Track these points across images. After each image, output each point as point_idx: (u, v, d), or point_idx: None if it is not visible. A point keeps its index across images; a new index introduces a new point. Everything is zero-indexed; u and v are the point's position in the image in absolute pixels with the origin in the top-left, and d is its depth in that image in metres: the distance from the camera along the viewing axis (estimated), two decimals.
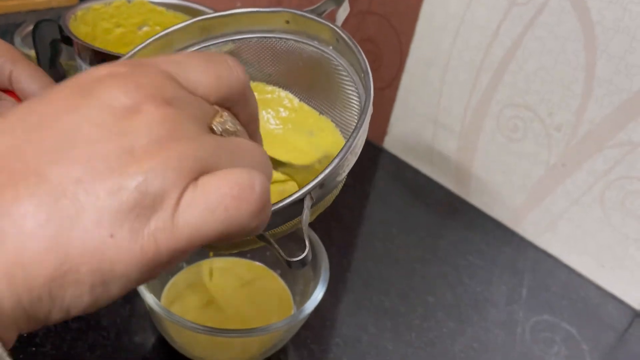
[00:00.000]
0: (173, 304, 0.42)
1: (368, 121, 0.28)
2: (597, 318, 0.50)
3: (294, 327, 0.38)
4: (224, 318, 0.42)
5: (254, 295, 0.45)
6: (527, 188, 0.56)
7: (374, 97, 0.29)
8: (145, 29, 0.51)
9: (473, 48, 0.56)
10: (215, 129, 0.21)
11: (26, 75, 0.32)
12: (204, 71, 0.21)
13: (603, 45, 0.47)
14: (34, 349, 0.39)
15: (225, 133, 0.21)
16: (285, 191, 0.36)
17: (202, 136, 0.19)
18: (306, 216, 0.26)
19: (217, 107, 0.21)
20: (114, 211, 0.16)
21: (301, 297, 0.43)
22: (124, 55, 0.33)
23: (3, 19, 0.74)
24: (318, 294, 0.39)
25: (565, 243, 0.55)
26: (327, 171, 0.26)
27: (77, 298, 0.17)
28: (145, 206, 0.17)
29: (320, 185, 0.26)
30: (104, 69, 0.19)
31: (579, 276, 0.55)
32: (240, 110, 0.23)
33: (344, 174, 0.28)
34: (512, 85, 0.54)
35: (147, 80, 0.19)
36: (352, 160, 0.28)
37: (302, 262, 0.25)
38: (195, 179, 0.18)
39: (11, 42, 0.60)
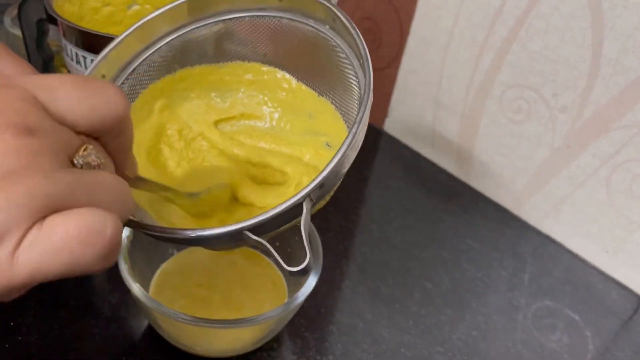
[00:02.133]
0: (164, 292, 0.41)
1: (368, 113, 0.27)
2: (600, 304, 0.49)
3: (287, 316, 0.38)
4: (216, 305, 0.41)
5: (248, 281, 0.44)
6: (530, 171, 0.55)
7: (374, 77, 0.27)
8: (135, 7, 0.49)
9: (475, 27, 0.54)
10: (76, 162, 0.20)
11: (11, 67, 0.31)
12: (78, 101, 0.20)
13: (610, 22, 0.45)
14: (20, 338, 0.38)
15: (87, 167, 0.20)
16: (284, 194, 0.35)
17: (59, 171, 0.18)
18: (306, 219, 0.25)
19: (83, 138, 0.20)
20: None
21: (295, 284, 0.42)
22: (111, 35, 0.32)
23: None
24: (311, 281, 0.38)
25: (569, 227, 0.54)
26: (327, 171, 0.25)
27: None
28: None
29: (320, 186, 0.25)
30: None
31: (582, 261, 0.53)
32: (111, 140, 0.22)
33: (343, 170, 0.27)
34: (516, 65, 0.52)
35: (10, 105, 0.18)
36: (352, 156, 0.27)
37: (304, 271, 0.24)
38: (44, 217, 0.17)
39: (1, 22, 0.59)
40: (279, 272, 0.44)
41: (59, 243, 0.17)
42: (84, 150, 0.20)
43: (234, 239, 0.26)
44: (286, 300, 0.41)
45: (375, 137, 0.66)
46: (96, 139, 0.21)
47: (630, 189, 0.48)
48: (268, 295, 0.43)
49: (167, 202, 0.33)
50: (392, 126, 0.67)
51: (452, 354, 0.43)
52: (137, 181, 0.27)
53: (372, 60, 0.27)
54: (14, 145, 0.17)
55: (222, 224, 0.34)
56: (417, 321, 0.45)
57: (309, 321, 0.43)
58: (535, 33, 0.50)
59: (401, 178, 0.61)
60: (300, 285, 0.38)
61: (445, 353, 0.43)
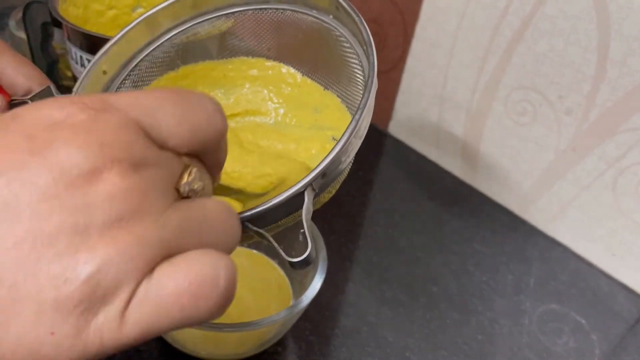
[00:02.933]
0: None
1: (373, 99, 0.26)
2: (607, 308, 0.49)
3: (291, 319, 0.37)
4: None
5: (253, 284, 0.44)
6: (536, 174, 0.54)
7: (379, 79, 0.27)
8: (139, 10, 0.50)
9: (480, 28, 0.54)
10: (182, 190, 0.18)
11: (12, 67, 0.30)
12: (179, 121, 0.18)
13: (617, 24, 0.45)
14: None
15: (192, 193, 0.18)
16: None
17: (168, 212, 0.16)
18: (307, 210, 0.24)
19: (185, 161, 0.19)
20: (57, 305, 0.14)
21: (300, 287, 0.41)
22: (112, 37, 0.32)
23: (1, 2, 0.73)
24: (316, 284, 0.37)
25: (575, 231, 0.53)
26: (329, 158, 0.24)
27: None
28: (95, 301, 0.15)
29: (322, 174, 0.24)
30: (59, 111, 0.16)
31: (589, 265, 0.53)
32: (209, 156, 0.20)
33: (348, 160, 0.26)
34: (521, 67, 0.52)
35: (113, 136, 0.16)
36: (356, 145, 0.26)
37: (306, 262, 0.23)
38: (153, 268, 0.16)
39: (6, 25, 0.59)
40: (284, 275, 0.44)
41: (170, 299, 0.15)
42: (189, 175, 0.18)
43: None
44: (291, 304, 0.41)
45: (380, 140, 0.66)
46: (195, 156, 0.20)
47: (637, 191, 0.48)
48: (273, 298, 0.43)
49: None
50: (396, 129, 0.67)
51: (458, 358, 0.42)
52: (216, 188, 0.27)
53: (375, 54, 0.27)
54: (121, 187, 0.15)
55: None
56: (422, 325, 0.44)
57: (314, 325, 0.43)
58: (541, 35, 0.49)
59: (406, 181, 0.61)
60: (305, 287, 0.38)
61: (451, 357, 0.42)
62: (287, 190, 0.24)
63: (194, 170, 0.19)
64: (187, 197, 0.18)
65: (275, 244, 0.24)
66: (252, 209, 0.24)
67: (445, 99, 0.60)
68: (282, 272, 0.44)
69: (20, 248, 0.14)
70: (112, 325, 0.15)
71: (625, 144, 0.47)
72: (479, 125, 0.58)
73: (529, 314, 0.47)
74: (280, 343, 0.41)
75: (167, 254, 0.16)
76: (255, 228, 0.24)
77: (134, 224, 0.15)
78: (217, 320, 0.34)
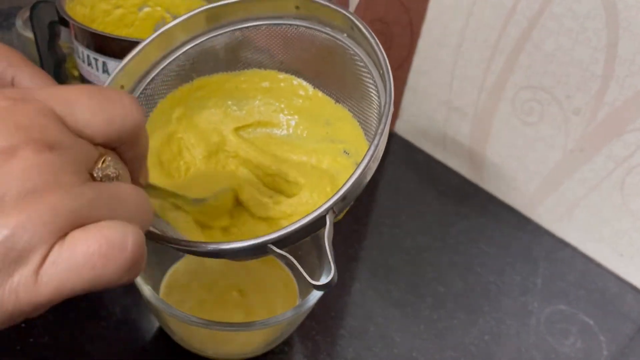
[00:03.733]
0: (173, 293, 0.41)
1: (389, 124, 0.27)
2: (615, 309, 0.48)
3: (297, 319, 0.37)
4: (227, 307, 0.41)
5: (259, 283, 0.44)
6: (543, 173, 0.54)
7: None
8: (145, 9, 0.49)
9: (487, 27, 0.53)
10: (95, 175, 0.20)
11: (29, 79, 0.31)
12: (95, 112, 0.20)
13: (626, 22, 0.44)
14: (31, 340, 0.38)
15: (106, 178, 0.20)
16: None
17: (80, 187, 0.18)
18: (329, 232, 0.25)
19: (101, 150, 0.20)
20: None
21: (306, 286, 0.41)
22: (123, 37, 0.32)
23: (7, 2, 0.73)
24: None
25: (582, 231, 0.53)
26: (349, 183, 0.25)
27: None
28: (9, 262, 0.16)
29: (343, 198, 0.25)
30: None
31: (597, 265, 0.53)
32: (127, 149, 0.22)
33: (365, 181, 0.27)
34: (528, 66, 0.52)
35: (29, 120, 0.18)
36: (374, 167, 0.27)
37: (329, 285, 0.24)
38: (65, 233, 0.17)
39: (13, 25, 0.59)
40: (290, 274, 0.44)
41: (81, 259, 0.17)
42: (103, 162, 0.20)
43: (258, 252, 0.26)
44: (298, 303, 0.41)
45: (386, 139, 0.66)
46: (113, 149, 0.21)
47: None
48: (280, 297, 0.42)
49: (174, 209, 0.33)
50: (403, 128, 0.66)
51: (465, 358, 0.42)
52: (147, 188, 0.27)
53: (393, 88, 0.27)
54: (35, 162, 0.17)
55: (227, 231, 0.35)
56: (429, 325, 0.44)
57: (320, 324, 0.43)
58: (549, 34, 0.49)
59: (412, 180, 0.61)
60: (310, 288, 0.38)
61: (458, 357, 0.42)
62: (309, 214, 0.24)
63: (108, 159, 0.20)
64: (101, 182, 0.20)
65: (300, 267, 0.25)
66: (275, 232, 0.24)
67: (451, 99, 0.60)
68: (288, 272, 0.44)
69: None
70: (26, 284, 0.17)
71: (633, 144, 0.47)
72: (486, 125, 0.57)
73: (536, 314, 0.47)
74: (287, 343, 0.41)
75: (80, 223, 0.18)
76: (278, 251, 0.25)
77: (47, 194, 0.17)
78: (224, 320, 0.34)
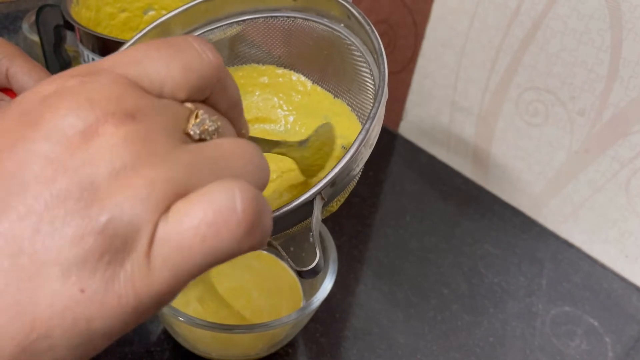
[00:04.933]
0: (178, 295, 0.41)
1: (383, 110, 0.26)
2: (620, 310, 0.48)
3: (301, 321, 0.37)
4: (232, 309, 0.41)
5: (264, 285, 0.44)
6: (548, 175, 0.54)
7: (389, 81, 0.27)
8: (151, 13, 0.50)
9: (491, 28, 0.53)
10: (192, 133, 0.17)
11: (23, 72, 0.31)
12: (168, 64, 0.17)
13: (630, 23, 0.44)
14: None
15: (205, 134, 0.18)
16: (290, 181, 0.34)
17: (175, 151, 0.16)
18: (316, 219, 0.24)
19: (190, 105, 0.18)
20: (80, 262, 0.14)
21: (310, 288, 0.41)
22: (126, 41, 0.32)
23: (13, 6, 0.73)
24: (326, 286, 0.37)
25: (588, 232, 0.53)
26: (338, 167, 0.24)
27: None
28: (116, 250, 0.14)
29: (332, 183, 0.24)
30: (50, 85, 0.16)
31: (602, 267, 0.52)
32: (219, 98, 0.19)
33: (358, 169, 0.26)
34: (533, 67, 0.51)
35: (102, 92, 0.16)
36: (366, 154, 0.26)
37: (314, 271, 0.23)
38: (168, 207, 0.15)
39: (19, 28, 0.59)
40: (295, 276, 0.44)
41: (189, 232, 0.15)
42: (196, 117, 0.18)
43: None
44: (302, 305, 0.41)
45: (390, 141, 0.66)
46: (203, 102, 0.19)
47: None
48: (284, 299, 0.43)
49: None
50: (407, 129, 0.66)
51: None
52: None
53: (386, 64, 0.27)
54: (118, 137, 0.15)
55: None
56: (433, 327, 0.44)
57: (324, 326, 0.43)
58: (553, 35, 0.49)
59: (416, 182, 0.61)
60: (315, 288, 0.38)
61: (462, 359, 0.42)
62: (296, 199, 0.23)
63: (201, 111, 0.18)
64: (202, 140, 0.18)
65: (284, 254, 0.24)
66: None
67: (456, 100, 0.59)
68: (292, 273, 0.44)
69: (32, 215, 0.14)
70: (140, 271, 0.15)
71: (638, 145, 0.47)
72: (491, 126, 0.57)
73: (541, 316, 0.47)
74: (291, 345, 0.41)
75: (181, 193, 0.16)
76: None
77: (140, 168, 0.15)
78: (227, 322, 0.34)
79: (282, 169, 0.35)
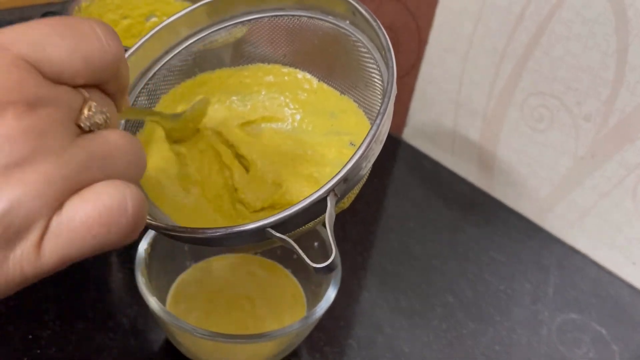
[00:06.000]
0: (180, 303, 0.41)
1: (392, 104, 0.26)
2: (628, 317, 0.48)
3: (305, 330, 0.37)
4: (234, 318, 0.41)
5: (267, 293, 0.43)
6: (554, 180, 0.53)
7: None
8: (153, 19, 0.50)
9: (496, 33, 0.53)
10: (83, 125, 0.18)
11: None
12: (71, 52, 0.18)
13: (636, 28, 0.44)
14: (38, 351, 0.38)
15: (94, 127, 0.19)
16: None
17: (70, 148, 0.17)
18: (330, 215, 0.24)
19: (84, 93, 0.19)
20: None
21: (314, 296, 0.41)
22: (129, 48, 0.32)
23: (17, 13, 0.74)
24: (330, 294, 0.37)
25: (594, 238, 0.52)
26: (350, 164, 0.24)
27: None
28: (10, 237, 0.16)
29: (344, 179, 0.24)
30: None
31: (609, 273, 0.52)
32: (111, 83, 0.20)
33: (369, 165, 0.26)
34: (538, 72, 0.51)
35: (2, 79, 0.16)
36: (377, 150, 0.26)
37: (329, 268, 0.23)
38: (62, 203, 0.17)
39: None
40: (297, 283, 0.44)
41: (82, 228, 0.17)
42: (88, 109, 0.19)
43: (256, 237, 0.25)
44: (305, 314, 0.41)
45: (394, 147, 0.66)
46: (95, 86, 0.20)
47: None
48: (288, 307, 0.42)
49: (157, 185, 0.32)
50: (411, 135, 0.66)
51: None
52: (127, 111, 0.26)
53: (395, 68, 0.27)
54: (18, 129, 0.16)
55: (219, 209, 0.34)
56: (438, 335, 0.44)
57: (328, 335, 0.42)
58: (558, 40, 0.49)
59: (421, 188, 0.60)
60: (319, 297, 0.38)
61: None
62: (309, 196, 0.24)
63: (94, 104, 0.19)
64: (90, 131, 0.19)
65: (299, 250, 0.24)
66: (274, 215, 0.24)
67: (460, 105, 0.59)
68: (296, 281, 0.44)
69: None
70: (29, 257, 0.16)
71: None
72: (495, 131, 0.57)
73: (547, 323, 0.46)
74: (295, 354, 0.40)
75: (75, 189, 0.17)
76: (278, 234, 0.24)
77: (37, 162, 0.16)
78: (230, 332, 0.34)
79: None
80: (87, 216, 0.17)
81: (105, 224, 0.17)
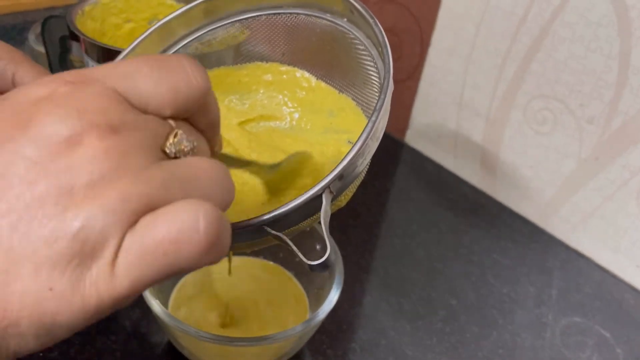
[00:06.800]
0: (182, 306, 0.41)
1: (389, 101, 0.26)
2: (632, 321, 0.47)
3: (307, 333, 0.37)
4: (237, 320, 0.41)
5: (270, 296, 0.43)
6: (557, 183, 0.53)
7: (395, 88, 0.27)
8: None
9: (498, 36, 0.53)
10: (168, 151, 0.19)
11: (30, 76, 0.31)
12: (157, 83, 0.18)
13: (639, 31, 0.44)
14: (40, 354, 0.38)
15: (180, 153, 0.19)
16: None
17: (150, 168, 0.17)
18: (325, 212, 0.24)
19: (171, 123, 0.19)
20: (52, 262, 0.15)
21: (316, 299, 0.41)
22: (124, 49, 0.32)
23: (20, 17, 0.74)
24: (332, 297, 0.37)
25: (598, 241, 0.52)
26: (346, 161, 0.24)
27: (21, 346, 0.16)
28: (85, 255, 0.16)
29: (340, 176, 0.24)
30: (42, 88, 0.17)
31: (613, 276, 0.52)
32: (200, 117, 0.20)
33: (365, 162, 0.26)
34: (541, 75, 0.51)
35: (91, 103, 0.17)
36: (373, 147, 0.26)
37: (324, 265, 0.23)
38: (137, 220, 0.16)
39: (25, 39, 0.60)
40: (300, 287, 0.44)
41: (152, 246, 0.16)
42: (174, 137, 0.19)
43: (252, 234, 0.25)
44: (308, 317, 0.41)
45: (397, 149, 0.66)
46: (184, 120, 0.20)
47: None
48: (291, 310, 0.42)
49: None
50: (413, 138, 0.66)
51: None
52: (222, 158, 0.26)
53: (392, 72, 0.27)
54: (100, 149, 0.16)
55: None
56: (441, 338, 0.44)
57: (331, 338, 0.42)
58: (561, 42, 0.49)
59: (423, 191, 0.60)
60: (321, 300, 0.37)
61: None
62: (304, 193, 0.23)
63: (180, 132, 0.19)
64: (176, 158, 0.19)
65: (295, 248, 0.24)
66: (270, 212, 0.24)
67: (463, 108, 0.59)
68: (298, 284, 0.44)
69: (12, 213, 0.15)
70: (105, 276, 0.16)
71: None
72: (498, 134, 0.57)
73: (551, 326, 0.46)
74: (297, 357, 0.40)
75: (151, 208, 0.17)
76: (273, 232, 0.24)
77: (116, 181, 0.16)
78: (233, 335, 0.34)
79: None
80: (157, 232, 0.16)
81: (175, 241, 0.16)
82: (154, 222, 0.16)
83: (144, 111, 0.18)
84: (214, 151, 0.23)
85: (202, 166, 0.19)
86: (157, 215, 0.17)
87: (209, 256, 0.17)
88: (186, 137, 0.19)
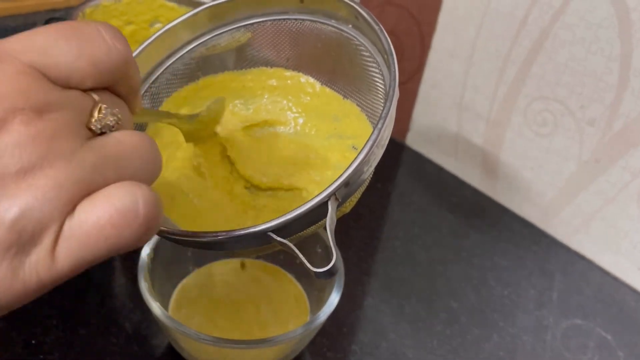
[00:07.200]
0: (183, 308, 0.41)
1: (394, 108, 0.26)
2: (633, 323, 0.47)
3: (308, 335, 0.37)
4: (237, 323, 0.41)
5: (270, 298, 0.43)
6: (558, 185, 0.53)
7: None
8: (157, 25, 0.50)
9: (499, 38, 0.53)
10: (94, 128, 0.18)
11: None
12: (77, 56, 0.18)
13: (639, 33, 0.44)
14: (41, 356, 0.38)
15: (106, 129, 0.19)
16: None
17: (80, 151, 0.17)
18: (331, 219, 0.24)
19: (94, 96, 0.19)
20: None
21: (317, 301, 0.41)
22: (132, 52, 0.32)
23: (21, 19, 0.74)
24: (333, 299, 0.37)
25: (599, 243, 0.52)
26: (352, 168, 0.24)
27: None
28: (23, 243, 0.16)
29: (346, 184, 0.24)
30: None
31: (614, 279, 0.51)
32: (122, 85, 0.20)
33: (370, 169, 0.26)
34: (541, 77, 0.51)
35: (9, 86, 0.16)
36: (379, 154, 0.26)
37: (330, 272, 0.23)
38: (74, 206, 0.17)
39: None
40: (301, 288, 0.44)
41: (93, 232, 0.17)
42: (99, 112, 0.18)
43: (257, 241, 0.25)
44: (308, 319, 0.41)
45: (397, 152, 0.66)
46: (105, 88, 0.20)
47: None
48: (291, 313, 0.42)
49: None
50: (414, 140, 0.66)
51: None
52: (142, 113, 0.26)
53: (397, 72, 0.27)
54: (25, 135, 0.16)
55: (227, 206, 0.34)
56: (442, 341, 0.43)
57: (331, 340, 0.42)
58: (561, 44, 0.49)
59: (424, 193, 0.60)
60: (322, 302, 0.37)
61: None
62: (310, 200, 0.23)
63: (103, 106, 0.19)
64: (103, 134, 0.19)
65: (300, 254, 0.24)
66: (275, 219, 0.24)
67: (463, 110, 0.59)
68: (299, 286, 0.44)
69: None
70: (45, 262, 0.16)
71: None
72: (499, 136, 0.57)
73: (552, 329, 0.46)
74: (298, 359, 0.40)
75: (86, 192, 0.17)
76: (279, 239, 0.24)
77: (47, 167, 0.16)
78: (233, 337, 0.34)
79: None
80: (98, 219, 0.17)
81: (117, 225, 0.17)
82: (92, 208, 0.17)
83: (65, 86, 0.18)
84: (135, 112, 0.23)
85: (130, 142, 0.19)
86: (94, 200, 0.17)
87: (147, 236, 0.18)
88: (110, 111, 0.19)
